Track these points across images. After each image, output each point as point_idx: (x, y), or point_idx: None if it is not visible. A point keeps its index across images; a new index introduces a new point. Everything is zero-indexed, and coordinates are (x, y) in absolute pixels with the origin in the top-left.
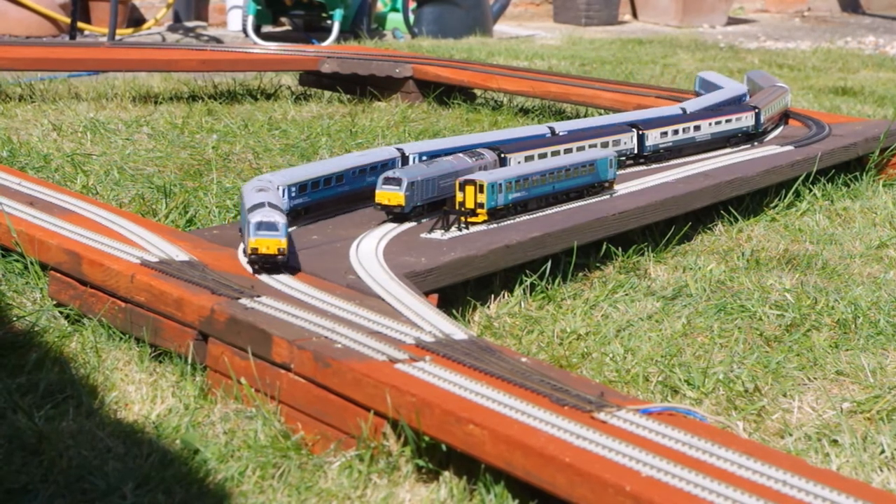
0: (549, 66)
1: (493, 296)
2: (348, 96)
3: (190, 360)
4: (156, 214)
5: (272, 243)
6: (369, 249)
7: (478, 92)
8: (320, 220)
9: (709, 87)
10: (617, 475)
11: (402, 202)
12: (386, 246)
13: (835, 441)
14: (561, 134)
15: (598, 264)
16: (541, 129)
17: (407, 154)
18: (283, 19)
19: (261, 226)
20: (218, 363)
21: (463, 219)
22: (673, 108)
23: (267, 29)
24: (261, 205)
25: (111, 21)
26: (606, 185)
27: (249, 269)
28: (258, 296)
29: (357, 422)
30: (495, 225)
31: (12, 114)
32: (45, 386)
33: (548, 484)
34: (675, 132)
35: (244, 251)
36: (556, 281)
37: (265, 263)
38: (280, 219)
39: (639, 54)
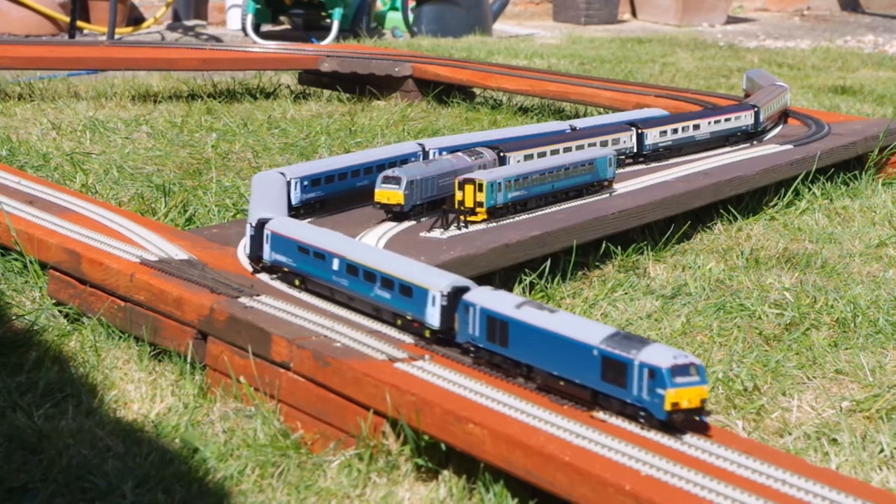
0: (548, 64)
1: None
2: (347, 95)
3: (189, 359)
4: (155, 213)
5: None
6: None
7: (477, 91)
8: (320, 219)
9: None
10: (617, 474)
11: (402, 201)
12: (385, 245)
13: (834, 440)
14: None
15: (597, 263)
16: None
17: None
18: (283, 18)
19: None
20: (217, 362)
21: (462, 218)
22: (562, 124)
23: (266, 28)
24: None
25: (110, 20)
26: (606, 183)
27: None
28: (258, 295)
29: (356, 421)
30: (494, 224)
31: (12, 112)
32: (45, 385)
33: (548, 483)
34: (675, 131)
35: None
36: (556, 280)
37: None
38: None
39: (638, 53)
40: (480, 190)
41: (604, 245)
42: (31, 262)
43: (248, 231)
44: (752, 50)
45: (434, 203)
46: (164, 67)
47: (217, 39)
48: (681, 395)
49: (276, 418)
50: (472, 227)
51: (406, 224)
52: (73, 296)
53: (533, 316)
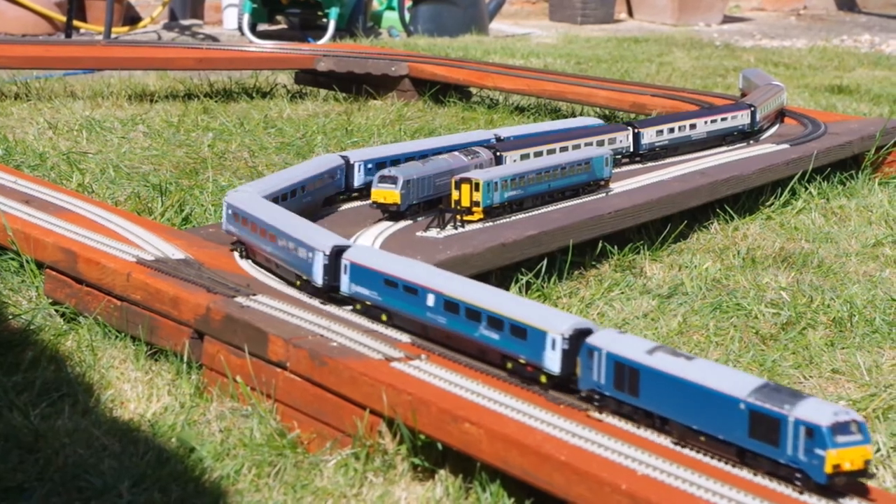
0: (544, 64)
1: None
2: (344, 95)
3: (186, 359)
4: (152, 213)
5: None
6: None
7: (474, 90)
8: (316, 219)
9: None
10: (613, 473)
11: (398, 200)
12: (382, 244)
13: None
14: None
15: (593, 262)
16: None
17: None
18: (279, 17)
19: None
20: (214, 361)
21: (459, 217)
22: (487, 134)
23: (263, 27)
24: None
25: (107, 19)
26: (602, 183)
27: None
28: (254, 294)
29: (353, 420)
30: (491, 223)
31: (8, 112)
32: (41, 384)
33: (544, 482)
34: (671, 130)
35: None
36: (552, 279)
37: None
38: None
39: (634, 53)
40: (477, 189)
41: (600, 244)
42: (27, 261)
43: (319, 259)
44: (748, 49)
45: (431, 202)
46: (160, 67)
47: (213, 39)
48: (843, 456)
49: (273, 418)
50: (468, 227)
51: (402, 223)
52: (70, 295)
53: (668, 363)
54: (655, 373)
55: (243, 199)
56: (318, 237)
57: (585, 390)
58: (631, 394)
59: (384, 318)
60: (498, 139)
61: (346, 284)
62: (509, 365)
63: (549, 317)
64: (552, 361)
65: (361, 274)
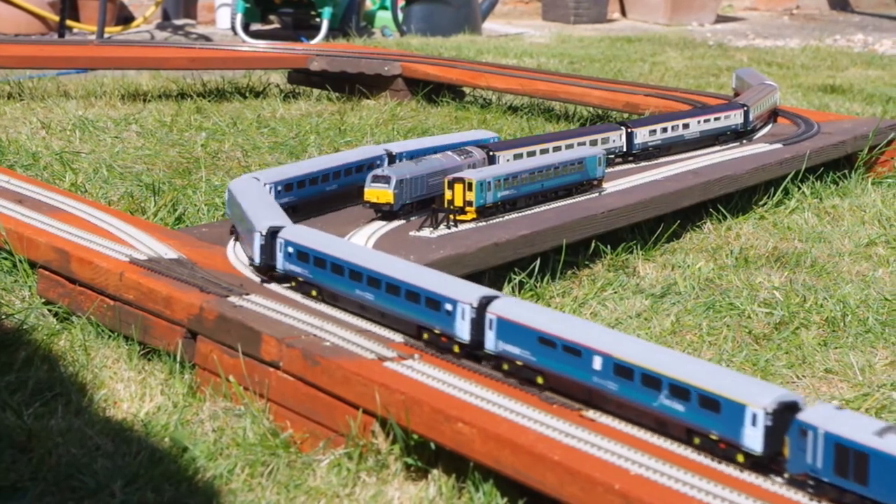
0: (537, 63)
1: None
2: (337, 94)
3: (179, 358)
4: (144, 212)
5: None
6: None
7: (467, 90)
8: (310, 218)
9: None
10: (606, 473)
11: (391, 200)
12: (375, 244)
13: None
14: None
15: (586, 262)
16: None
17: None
18: (272, 17)
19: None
20: (207, 361)
21: (452, 217)
22: (377, 149)
23: (256, 27)
24: None
25: (100, 19)
26: (595, 182)
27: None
28: (247, 294)
29: (346, 420)
30: (484, 223)
31: (1, 112)
32: (34, 384)
33: (537, 482)
34: (664, 130)
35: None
36: (545, 279)
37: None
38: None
39: (627, 52)
40: (470, 189)
41: (593, 244)
42: (20, 261)
43: (465, 311)
44: (741, 49)
45: (424, 202)
46: (153, 66)
47: (206, 38)
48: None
49: (266, 417)
50: (461, 227)
51: (395, 223)
52: (63, 295)
53: None
54: (891, 460)
55: (317, 239)
56: (459, 288)
57: (796, 473)
58: (858, 482)
59: (540, 380)
60: (390, 154)
61: (491, 341)
62: (696, 440)
63: (748, 387)
64: (753, 440)
65: (512, 331)
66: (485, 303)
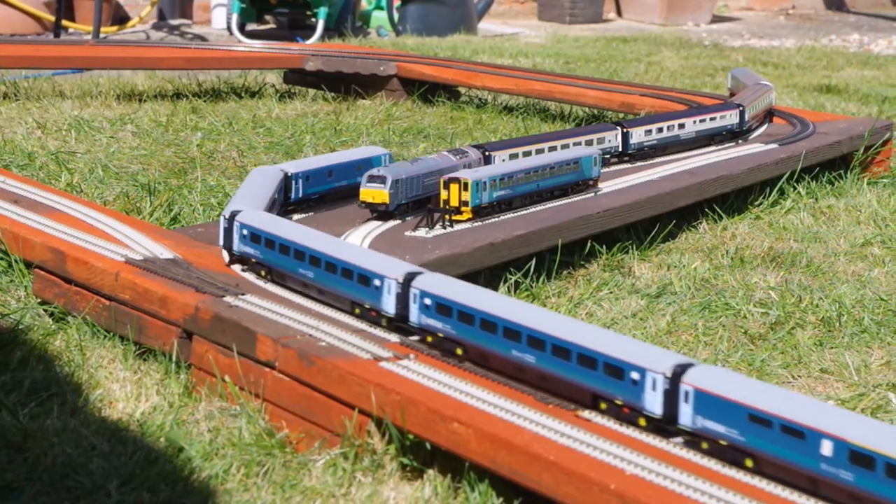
0: (533, 63)
1: None
2: (333, 94)
3: (174, 358)
4: (140, 212)
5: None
6: None
7: (462, 90)
8: (305, 217)
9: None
10: (602, 473)
11: (387, 200)
12: (371, 244)
13: None
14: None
15: (582, 262)
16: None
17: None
18: (268, 17)
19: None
20: (202, 361)
21: (447, 217)
22: (277, 168)
23: (251, 27)
24: None
25: (95, 19)
26: (591, 182)
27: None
28: (243, 294)
29: (342, 420)
30: (480, 223)
31: None
32: (30, 384)
33: (533, 482)
34: (660, 130)
35: None
36: (541, 279)
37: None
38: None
39: (623, 52)
40: (465, 189)
41: (589, 244)
42: (15, 261)
43: (656, 383)
44: (737, 49)
45: (419, 202)
46: (149, 66)
47: (202, 38)
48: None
49: (262, 417)
50: (457, 227)
51: (391, 223)
52: (58, 295)
53: None
54: None
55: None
56: (649, 354)
57: None
58: None
59: (749, 463)
60: (285, 174)
61: (687, 416)
62: None
63: None
64: None
65: (712, 404)
66: (679, 372)
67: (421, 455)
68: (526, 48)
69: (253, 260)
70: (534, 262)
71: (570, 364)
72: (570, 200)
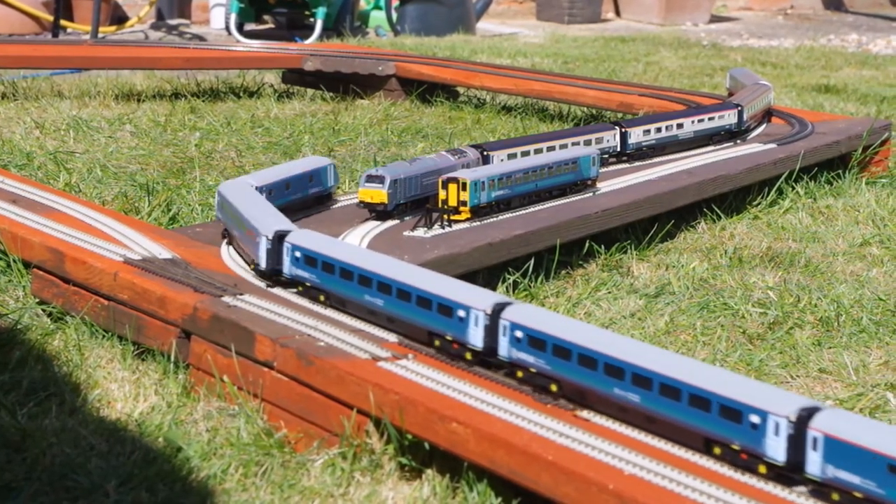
0: (532, 63)
1: None
2: (331, 94)
3: (173, 358)
4: (139, 212)
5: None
6: None
7: (461, 90)
8: (303, 218)
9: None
10: (600, 473)
11: (385, 200)
12: (369, 244)
13: None
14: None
15: (581, 262)
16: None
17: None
18: (266, 17)
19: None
20: (201, 361)
21: (446, 217)
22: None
23: (250, 27)
24: None
25: (94, 19)
26: (589, 182)
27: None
28: (241, 294)
29: (340, 419)
30: (478, 223)
31: None
32: (28, 383)
33: (531, 482)
34: (658, 130)
35: None
36: (539, 279)
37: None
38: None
39: (622, 52)
40: (464, 189)
41: (587, 244)
42: (14, 260)
43: (781, 426)
44: (735, 49)
45: (418, 202)
46: (147, 66)
47: (201, 38)
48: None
49: (260, 417)
50: (455, 226)
51: (389, 223)
52: (57, 295)
53: None
54: None
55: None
56: (771, 396)
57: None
58: None
59: None
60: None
61: (816, 465)
62: None
63: None
64: None
65: (847, 454)
66: (805, 416)
67: (419, 455)
68: (524, 48)
69: (308, 284)
70: (532, 261)
71: (680, 405)
72: (568, 200)
